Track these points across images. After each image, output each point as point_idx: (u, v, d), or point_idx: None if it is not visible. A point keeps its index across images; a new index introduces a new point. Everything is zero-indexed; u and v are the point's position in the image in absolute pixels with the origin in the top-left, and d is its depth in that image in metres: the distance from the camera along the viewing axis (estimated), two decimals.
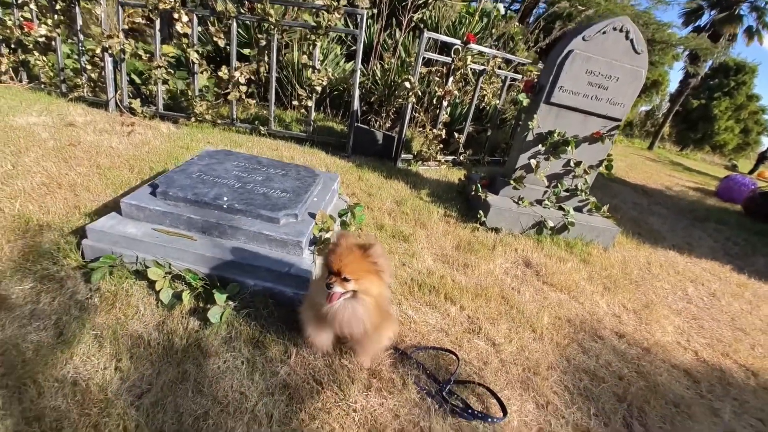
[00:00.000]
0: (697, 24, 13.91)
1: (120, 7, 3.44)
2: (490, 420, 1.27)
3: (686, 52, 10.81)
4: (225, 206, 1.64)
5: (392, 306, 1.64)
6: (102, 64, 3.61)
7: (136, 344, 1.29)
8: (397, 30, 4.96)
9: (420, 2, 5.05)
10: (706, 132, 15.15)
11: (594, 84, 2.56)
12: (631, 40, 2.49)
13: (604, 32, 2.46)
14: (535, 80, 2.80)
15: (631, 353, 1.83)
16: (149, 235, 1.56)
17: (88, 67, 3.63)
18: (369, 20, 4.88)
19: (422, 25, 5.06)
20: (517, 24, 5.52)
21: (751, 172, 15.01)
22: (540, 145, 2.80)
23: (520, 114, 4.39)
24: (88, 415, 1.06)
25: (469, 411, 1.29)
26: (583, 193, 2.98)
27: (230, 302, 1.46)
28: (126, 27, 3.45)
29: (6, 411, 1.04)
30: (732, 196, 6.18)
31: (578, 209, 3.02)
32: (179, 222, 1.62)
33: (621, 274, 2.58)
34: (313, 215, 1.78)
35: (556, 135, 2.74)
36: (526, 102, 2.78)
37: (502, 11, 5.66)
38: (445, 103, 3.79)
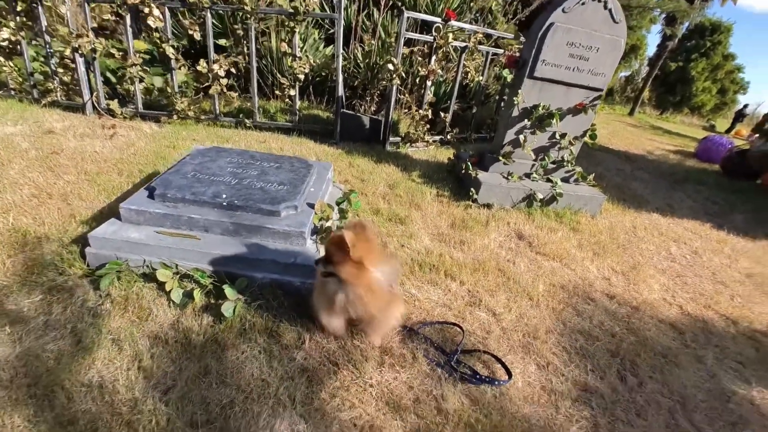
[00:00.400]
0: None
1: (86, 4, 3.29)
2: (497, 383, 1.37)
3: (663, 15, 10.85)
4: (225, 203, 1.66)
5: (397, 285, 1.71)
6: (73, 66, 3.48)
7: (155, 344, 1.33)
8: (375, 10, 4.86)
9: None
10: (684, 94, 15.40)
11: (575, 56, 2.60)
12: (610, 10, 2.52)
13: (583, 3, 2.47)
14: (518, 55, 2.82)
15: (621, 312, 1.96)
16: (152, 238, 1.58)
17: (59, 70, 3.49)
18: (345, 1, 4.75)
19: (400, 3, 4.96)
20: None
21: (728, 131, 15.41)
22: (526, 120, 2.85)
23: (504, 89, 4.42)
24: (120, 414, 1.11)
25: (477, 377, 1.38)
26: (569, 164, 3.06)
27: (240, 296, 1.50)
28: (95, 25, 3.31)
29: (39, 417, 1.08)
30: (710, 157, 6.37)
31: (565, 180, 3.11)
32: (180, 223, 1.64)
33: (609, 240, 2.70)
34: (311, 205, 1.81)
35: (540, 109, 2.79)
36: (510, 78, 2.80)
37: None
38: (429, 83, 3.78)
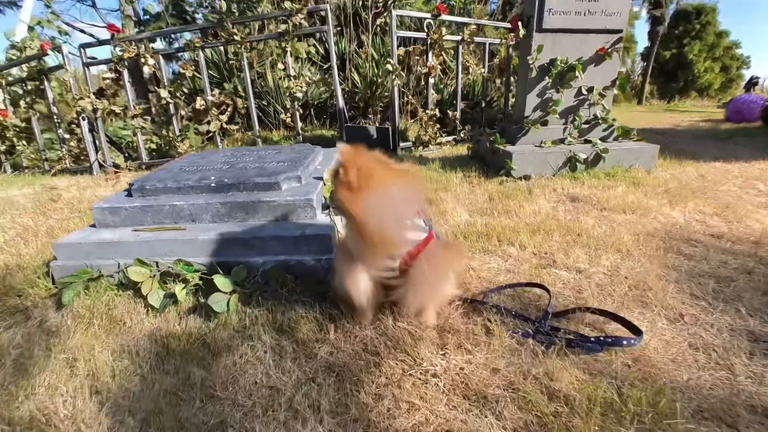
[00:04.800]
0: None
1: (86, 68, 3.39)
2: (625, 343, 0.90)
3: (646, 3, 10.97)
4: (213, 185, 1.36)
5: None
6: (79, 131, 3.50)
7: (119, 358, 0.95)
8: (364, 36, 4.93)
9: (381, 9, 5.06)
10: (687, 78, 15.02)
11: None
12: None
13: None
14: (520, 15, 2.61)
15: (742, 249, 1.46)
16: (128, 236, 1.27)
17: (66, 136, 3.52)
18: (335, 35, 4.84)
19: (387, 28, 5.04)
20: None
21: None
22: (546, 78, 2.55)
23: (509, 87, 4.20)
24: None
25: (593, 340, 0.91)
26: (604, 121, 2.68)
27: (237, 288, 1.13)
28: (96, 88, 3.37)
29: None
30: (743, 117, 5.83)
31: (604, 139, 2.71)
32: (162, 215, 1.33)
33: (679, 187, 2.23)
34: (319, 179, 1.49)
35: (558, 63, 2.50)
36: (522, 33, 2.54)
37: None
38: (431, 81, 3.61)
